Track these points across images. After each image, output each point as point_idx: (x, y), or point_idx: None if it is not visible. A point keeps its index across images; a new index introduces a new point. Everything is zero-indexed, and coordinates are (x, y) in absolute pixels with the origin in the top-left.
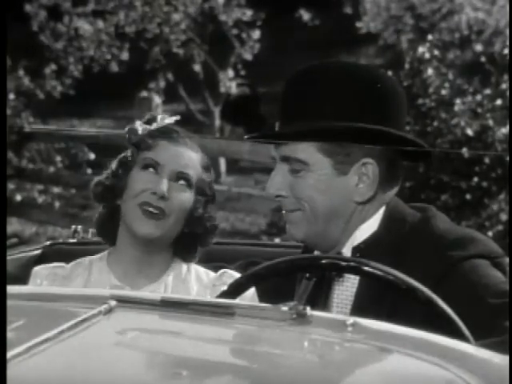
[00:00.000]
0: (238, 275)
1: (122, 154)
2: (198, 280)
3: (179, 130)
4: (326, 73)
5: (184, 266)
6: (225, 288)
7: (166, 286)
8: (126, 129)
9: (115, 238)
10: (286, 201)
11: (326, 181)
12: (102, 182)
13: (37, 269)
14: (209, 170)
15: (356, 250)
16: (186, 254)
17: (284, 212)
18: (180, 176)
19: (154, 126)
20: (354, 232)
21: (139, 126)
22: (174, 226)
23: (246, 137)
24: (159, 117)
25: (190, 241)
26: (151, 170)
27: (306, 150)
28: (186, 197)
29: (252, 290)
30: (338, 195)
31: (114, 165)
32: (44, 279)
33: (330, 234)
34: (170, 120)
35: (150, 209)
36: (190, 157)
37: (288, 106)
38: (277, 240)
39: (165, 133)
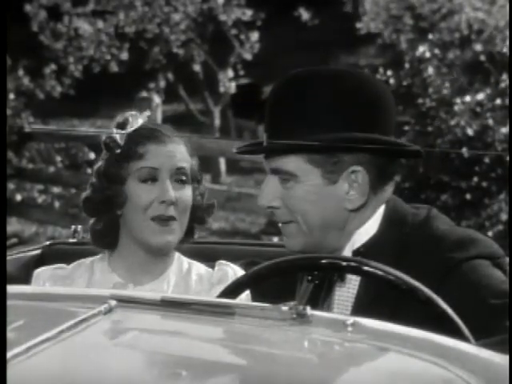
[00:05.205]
0: (232, 265)
1: (98, 165)
2: (198, 275)
3: (159, 126)
4: (310, 82)
5: (185, 263)
6: (226, 284)
7: (168, 283)
8: (104, 141)
9: (114, 244)
10: (279, 212)
11: (316, 191)
12: (91, 197)
13: (38, 271)
14: (194, 155)
15: (356, 253)
16: (186, 236)
17: (280, 224)
18: (178, 172)
19: (129, 128)
20: (352, 236)
21: (116, 135)
22: (184, 224)
23: (234, 150)
24: (130, 118)
25: (190, 225)
26: (150, 181)
27: (295, 162)
28: (188, 192)
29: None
30: (329, 204)
31: (96, 178)
32: (46, 281)
33: (327, 242)
34: (144, 118)
35: (163, 221)
36: (179, 150)
37: (275, 118)
38: (275, 239)
39: (148, 135)
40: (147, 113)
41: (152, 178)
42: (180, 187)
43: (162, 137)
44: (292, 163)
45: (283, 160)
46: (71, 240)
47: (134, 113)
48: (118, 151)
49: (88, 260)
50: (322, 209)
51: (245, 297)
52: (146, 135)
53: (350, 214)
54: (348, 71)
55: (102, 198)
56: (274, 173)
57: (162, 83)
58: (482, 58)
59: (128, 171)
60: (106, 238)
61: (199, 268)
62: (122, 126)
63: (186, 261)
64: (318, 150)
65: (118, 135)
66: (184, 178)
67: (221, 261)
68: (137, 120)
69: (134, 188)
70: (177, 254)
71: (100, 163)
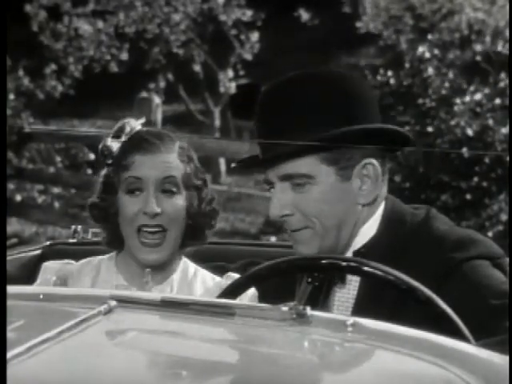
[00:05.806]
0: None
1: (103, 173)
2: (203, 284)
3: (153, 132)
4: (304, 84)
5: (191, 268)
6: (225, 287)
7: (171, 288)
8: (100, 149)
9: (122, 247)
10: (292, 219)
11: (332, 190)
12: (96, 204)
13: (47, 264)
14: (190, 158)
15: (357, 253)
16: (194, 241)
17: (290, 232)
18: (165, 182)
19: (124, 136)
20: (356, 235)
21: (112, 143)
22: (176, 234)
23: (233, 165)
24: (126, 125)
25: (194, 230)
26: (135, 192)
27: (309, 163)
28: (178, 201)
29: (252, 290)
30: (345, 202)
31: (98, 186)
32: (54, 274)
33: (339, 242)
34: (138, 125)
35: (149, 229)
36: (166, 159)
37: (271, 124)
38: (273, 239)
39: (136, 145)
40: (142, 120)
41: (137, 188)
42: (167, 197)
43: (149, 146)
44: (306, 165)
45: (295, 163)
46: (71, 240)
47: (129, 120)
48: (110, 161)
49: (97, 258)
50: (339, 208)
51: (250, 295)
52: (134, 145)
53: (362, 209)
54: (334, 71)
55: (102, 207)
56: (284, 179)
57: (162, 83)
58: (482, 58)
59: (119, 182)
60: (113, 243)
61: (205, 276)
62: (118, 133)
63: (192, 266)
64: (332, 147)
65: (114, 144)
66: (173, 187)
67: (229, 273)
68: (132, 127)
69: (122, 199)
70: (183, 259)
71: (104, 171)
